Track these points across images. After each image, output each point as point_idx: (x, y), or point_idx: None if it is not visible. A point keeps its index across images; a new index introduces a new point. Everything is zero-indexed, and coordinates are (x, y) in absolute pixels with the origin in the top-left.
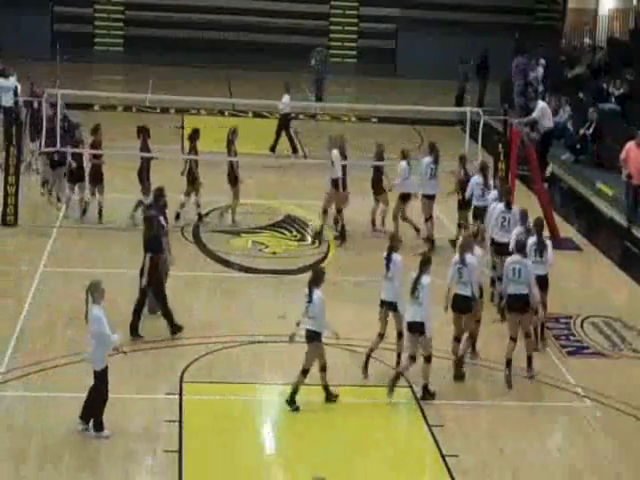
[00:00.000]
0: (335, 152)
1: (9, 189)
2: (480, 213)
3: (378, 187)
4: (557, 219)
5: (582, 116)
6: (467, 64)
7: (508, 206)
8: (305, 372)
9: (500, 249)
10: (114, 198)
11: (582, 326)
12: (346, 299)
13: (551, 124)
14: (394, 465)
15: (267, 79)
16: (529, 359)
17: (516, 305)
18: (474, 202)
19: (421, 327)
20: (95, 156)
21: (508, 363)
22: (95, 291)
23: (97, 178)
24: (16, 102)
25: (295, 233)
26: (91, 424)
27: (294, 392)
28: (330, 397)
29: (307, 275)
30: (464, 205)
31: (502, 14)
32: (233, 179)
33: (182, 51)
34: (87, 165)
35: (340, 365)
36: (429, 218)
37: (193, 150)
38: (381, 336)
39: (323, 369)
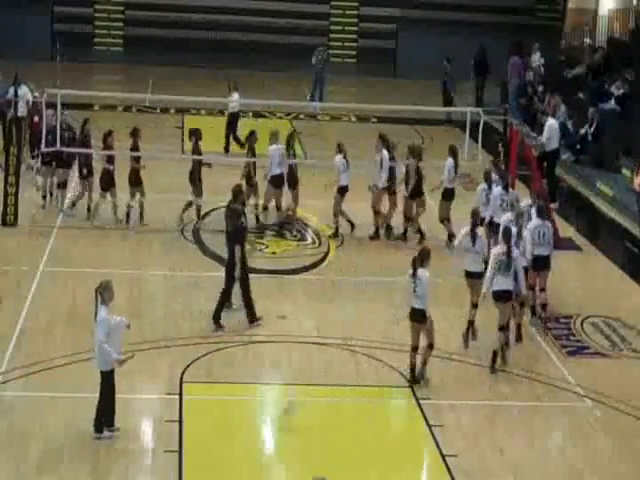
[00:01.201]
0: (273, 148)
1: (9, 189)
2: (451, 195)
3: (418, 189)
4: (557, 219)
5: (582, 116)
6: (451, 64)
7: (506, 189)
8: (431, 346)
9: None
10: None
11: (582, 326)
12: (346, 299)
13: (557, 145)
14: (394, 465)
15: (267, 79)
16: (544, 307)
17: (540, 264)
18: (446, 184)
19: (508, 295)
20: (136, 159)
21: (543, 306)
22: (105, 292)
23: (137, 181)
24: (16, 102)
25: (295, 233)
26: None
27: (424, 364)
28: (416, 379)
29: (306, 275)
30: (415, 195)
31: (502, 14)
32: (293, 182)
33: (182, 51)
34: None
35: (340, 365)
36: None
37: (250, 152)
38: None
39: (431, 346)
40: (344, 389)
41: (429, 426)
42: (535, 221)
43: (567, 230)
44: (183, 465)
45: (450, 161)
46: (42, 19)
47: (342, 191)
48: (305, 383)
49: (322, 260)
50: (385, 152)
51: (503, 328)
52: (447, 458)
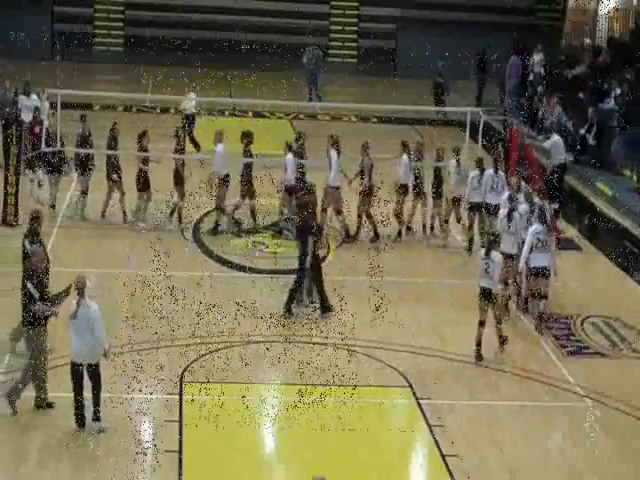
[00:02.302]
0: (219, 146)
1: (9, 189)
2: (405, 190)
3: (438, 191)
4: (557, 219)
5: (582, 116)
6: (445, 65)
7: (496, 171)
8: (500, 322)
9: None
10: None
11: (582, 326)
12: (346, 299)
13: (562, 159)
14: (394, 465)
15: (267, 79)
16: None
17: None
18: (406, 180)
19: (546, 271)
20: (182, 162)
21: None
22: (85, 287)
23: (180, 182)
24: (16, 103)
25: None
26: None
27: (479, 344)
28: (504, 341)
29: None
30: (370, 193)
31: (502, 14)
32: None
33: (182, 51)
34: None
35: (340, 365)
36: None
37: (299, 155)
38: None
39: (499, 322)
40: (344, 389)
41: (429, 426)
42: (536, 200)
43: (567, 230)
44: (183, 465)
45: (405, 158)
46: (42, 19)
47: (291, 191)
48: (305, 383)
49: (322, 260)
50: (333, 152)
51: (546, 297)
52: (447, 458)
